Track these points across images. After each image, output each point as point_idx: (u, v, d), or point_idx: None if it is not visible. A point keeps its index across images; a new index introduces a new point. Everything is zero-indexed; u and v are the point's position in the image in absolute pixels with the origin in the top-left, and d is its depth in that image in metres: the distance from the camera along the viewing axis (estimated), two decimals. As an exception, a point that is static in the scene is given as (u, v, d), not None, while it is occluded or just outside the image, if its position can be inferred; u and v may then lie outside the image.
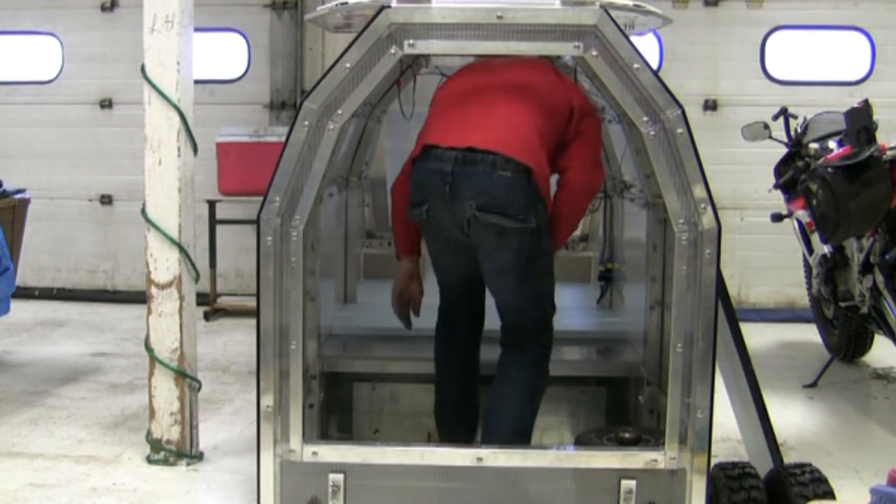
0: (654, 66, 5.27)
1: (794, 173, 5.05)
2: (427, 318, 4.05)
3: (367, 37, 2.88)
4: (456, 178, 3.06)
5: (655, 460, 2.98)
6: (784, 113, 5.44)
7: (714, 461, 3.04)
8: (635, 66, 2.85)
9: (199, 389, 3.87)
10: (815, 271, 5.32)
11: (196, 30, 3.76)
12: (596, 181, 3.30)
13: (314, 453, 3.04)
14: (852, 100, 5.16)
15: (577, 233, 4.89)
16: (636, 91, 2.87)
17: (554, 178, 3.24)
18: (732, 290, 6.08)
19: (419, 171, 3.19)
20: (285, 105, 7.38)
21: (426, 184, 3.14)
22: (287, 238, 2.97)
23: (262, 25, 7.43)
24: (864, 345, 5.32)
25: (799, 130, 5.30)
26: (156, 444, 3.78)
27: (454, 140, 3.11)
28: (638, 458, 3.01)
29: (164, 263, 3.69)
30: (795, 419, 4.47)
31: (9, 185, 5.37)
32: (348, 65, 2.89)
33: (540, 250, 3.16)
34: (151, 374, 3.75)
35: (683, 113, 2.86)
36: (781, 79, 7.14)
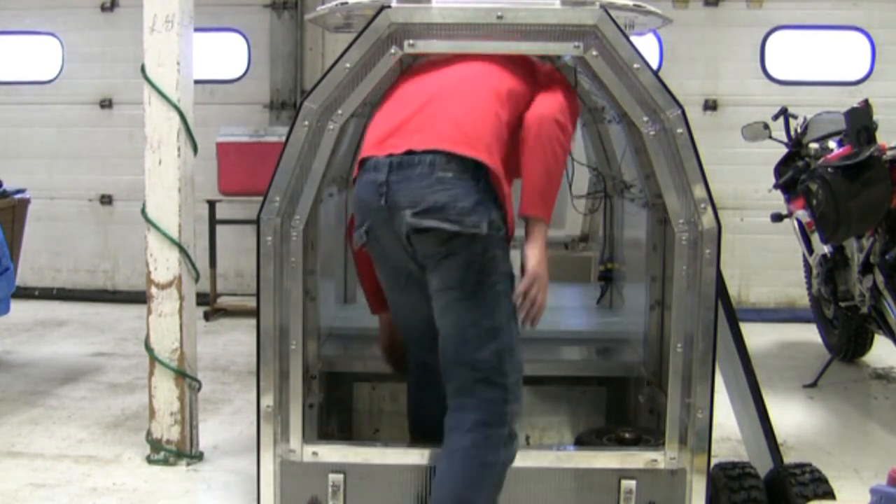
0: (654, 66, 5.27)
1: (794, 173, 5.05)
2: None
3: (367, 37, 2.88)
4: (391, 187, 2.63)
5: (655, 460, 2.98)
6: (784, 113, 5.45)
7: (714, 461, 3.04)
8: (635, 66, 2.85)
9: (199, 389, 3.87)
10: (815, 271, 5.32)
11: (196, 30, 3.76)
12: (556, 115, 2.66)
13: (314, 453, 3.03)
14: (852, 100, 5.16)
15: (577, 233, 4.88)
16: (636, 91, 2.87)
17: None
18: (732, 290, 6.08)
19: (356, 189, 2.78)
20: (285, 105, 7.38)
21: (363, 200, 2.73)
22: (287, 238, 2.97)
23: (262, 25, 7.43)
24: (864, 345, 5.32)
25: (799, 130, 5.30)
26: (156, 444, 3.78)
27: (393, 147, 2.69)
28: (638, 458, 3.01)
29: (164, 263, 3.69)
30: (795, 419, 4.47)
31: (9, 185, 5.37)
32: (348, 65, 2.89)
33: (494, 269, 2.59)
34: (151, 374, 3.75)
35: (683, 113, 2.86)
36: (781, 79, 7.14)
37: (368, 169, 2.72)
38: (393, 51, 2.89)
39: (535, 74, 2.87)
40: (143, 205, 3.70)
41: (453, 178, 2.58)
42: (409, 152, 2.64)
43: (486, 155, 2.61)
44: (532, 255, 2.60)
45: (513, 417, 2.56)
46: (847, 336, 5.24)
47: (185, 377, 3.75)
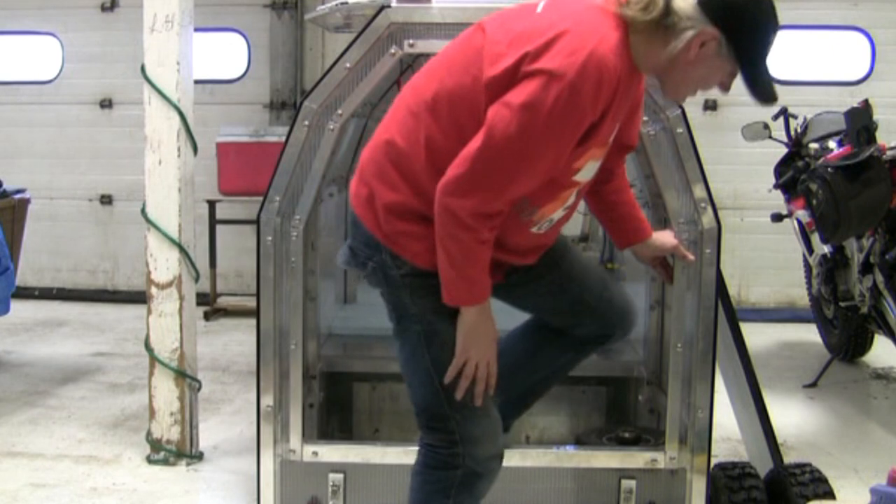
0: (654, 66, 5.27)
1: (794, 173, 5.05)
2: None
3: (367, 37, 2.88)
4: None
5: (655, 460, 2.98)
6: (784, 113, 5.44)
7: (714, 461, 3.04)
8: (635, 65, 2.85)
9: (199, 389, 3.87)
10: (815, 271, 5.32)
11: (196, 30, 3.76)
12: (442, 197, 2.08)
13: (314, 453, 3.04)
14: (852, 100, 5.16)
15: (577, 232, 4.88)
16: (636, 91, 2.87)
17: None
18: (732, 290, 6.08)
19: None
20: (285, 105, 7.38)
21: None
22: (287, 238, 2.97)
23: (262, 25, 7.43)
24: (864, 345, 5.32)
25: (799, 130, 5.30)
26: (156, 444, 3.78)
27: None
28: (638, 458, 3.01)
29: (164, 263, 3.69)
30: (795, 419, 4.47)
31: (9, 185, 5.37)
32: (348, 65, 2.90)
33: (403, 309, 2.32)
34: (151, 374, 3.75)
35: (683, 113, 2.86)
36: (781, 79, 7.12)
37: None
38: (393, 51, 2.89)
39: (479, 60, 2.14)
40: (143, 205, 3.70)
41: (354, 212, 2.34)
42: None
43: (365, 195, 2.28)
44: (458, 338, 2.24)
45: (467, 458, 2.29)
46: (847, 336, 5.24)
47: (185, 377, 3.75)
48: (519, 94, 2.01)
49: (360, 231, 2.29)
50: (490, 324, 2.23)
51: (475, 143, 2.05)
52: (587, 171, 2.23)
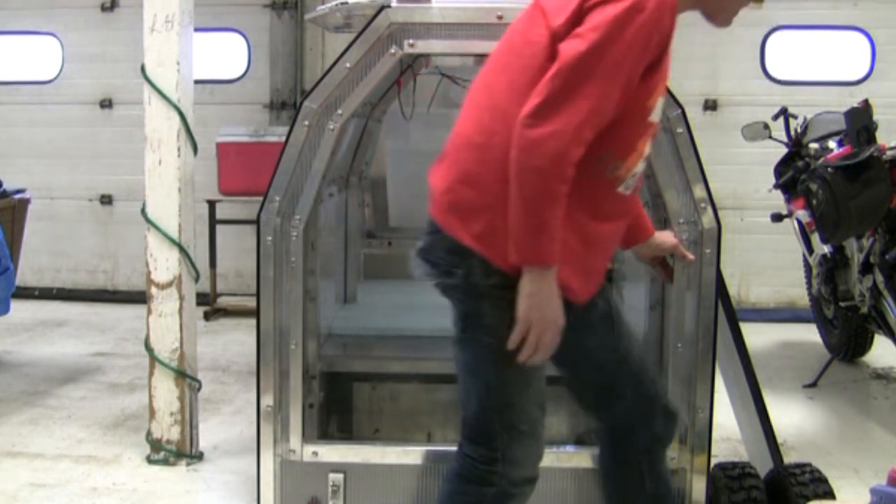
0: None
1: (794, 173, 5.05)
2: (427, 317, 4.05)
3: (367, 37, 2.88)
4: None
5: (655, 460, 2.98)
6: (784, 113, 5.44)
7: (714, 461, 3.04)
8: (635, 65, 2.85)
9: (199, 389, 3.87)
10: (815, 271, 5.32)
11: (196, 30, 3.76)
12: (521, 129, 2.04)
13: (314, 453, 3.04)
14: (852, 100, 5.16)
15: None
16: (636, 91, 2.87)
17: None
18: (732, 290, 6.09)
19: None
20: (285, 105, 7.38)
21: None
22: (287, 238, 2.97)
23: (262, 25, 7.43)
24: (864, 345, 5.32)
25: (799, 130, 5.30)
26: (156, 444, 3.78)
27: None
28: (638, 458, 3.01)
29: (164, 263, 3.69)
30: (795, 419, 4.47)
31: (9, 185, 5.37)
32: (348, 65, 2.90)
33: (476, 319, 2.25)
34: (151, 374, 3.75)
35: (683, 113, 2.86)
36: (781, 79, 7.14)
37: None
38: (393, 50, 2.89)
39: (537, 22, 2.19)
40: (143, 205, 3.70)
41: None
42: None
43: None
44: (518, 304, 2.18)
45: (504, 479, 2.26)
46: (847, 336, 5.24)
47: (185, 377, 3.75)
48: (587, 23, 2.04)
49: (442, 240, 2.24)
50: (555, 295, 2.13)
51: (549, 72, 2.05)
52: (658, 109, 2.24)
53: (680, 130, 2.86)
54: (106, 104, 7.61)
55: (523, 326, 2.15)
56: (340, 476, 3.02)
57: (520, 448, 2.27)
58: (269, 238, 2.95)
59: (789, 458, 3.26)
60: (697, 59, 7.09)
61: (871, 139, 4.20)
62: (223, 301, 7.07)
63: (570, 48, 2.04)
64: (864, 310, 4.58)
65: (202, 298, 5.44)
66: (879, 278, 4.34)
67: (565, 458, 3.04)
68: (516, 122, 2.04)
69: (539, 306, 2.13)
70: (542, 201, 2.06)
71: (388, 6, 2.86)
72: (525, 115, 2.03)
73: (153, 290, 3.72)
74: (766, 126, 5.34)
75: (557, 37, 2.09)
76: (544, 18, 2.14)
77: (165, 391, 3.74)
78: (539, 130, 2.01)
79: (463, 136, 2.24)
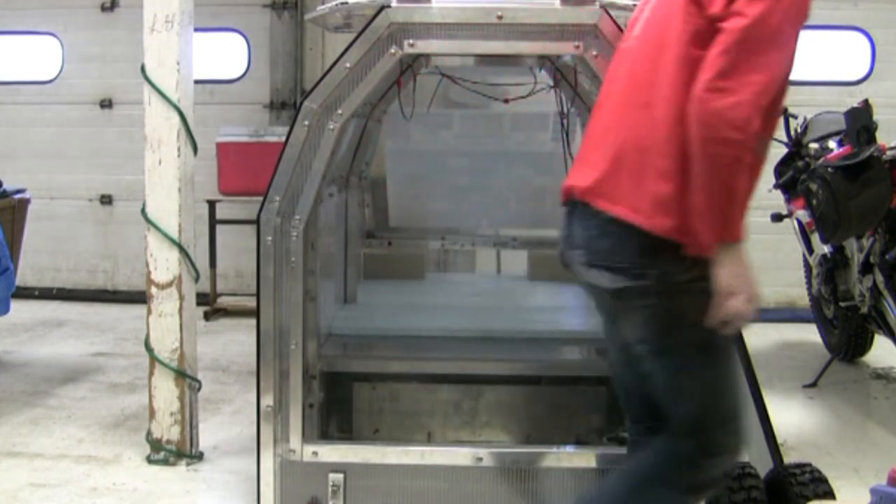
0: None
1: (794, 173, 5.05)
2: (427, 317, 4.05)
3: (367, 37, 2.88)
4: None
5: (655, 460, 2.98)
6: (784, 113, 5.44)
7: (714, 461, 3.04)
8: (635, 65, 2.85)
9: (199, 389, 3.87)
10: (815, 271, 5.32)
11: (196, 30, 3.76)
12: (701, 95, 2.05)
13: (314, 453, 3.04)
14: (852, 100, 5.15)
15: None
16: (636, 91, 2.87)
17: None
18: (732, 290, 6.06)
19: None
20: (285, 105, 7.38)
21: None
22: (287, 238, 2.97)
23: (262, 25, 7.43)
24: (864, 345, 5.31)
25: (799, 130, 5.29)
26: (156, 444, 3.78)
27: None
28: (638, 458, 3.01)
29: (164, 263, 3.69)
30: (795, 419, 4.47)
31: (9, 185, 5.37)
32: (348, 65, 2.90)
33: (678, 319, 2.26)
34: (151, 374, 3.75)
35: (683, 113, 2.86)
36: (781, 79, 7.13)
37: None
38: (393, 51, 2.89)
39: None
40: (143, 205, 3.70)
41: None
42: None
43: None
44: (718, 281, 2.16)
45: (714, 469, 2.31)
46: (847, 336, 5.23)
47: (185, 377, 3.75)
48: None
49: (628, 244, 2.21)
50: (748, 268, 2.13)
51: (716, 48, 2.06)
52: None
53: (680, 130, 2.85)
54: (106, 104, 7.61)
55: (727, 301, 2.13)
56: (340, 476, 3.03)
57: (736, 439, 2.30)
58: (269, 238, 2.96)
59: (789, 458, 3.26)
60: (697, 59, 7.08)
61: (871, 139, 4.20)
62: (223, 301, 7.07)
63: (735, 24, 2.05)
64: (864, 310, 4.57)
65: (202, 298, 5.44)
66: (879, 278, 4.34)
67: (565, 458, 3.04)
68: (692, 100, 2.05)
69: (739, 279, 2.12)
70: (731, 172, 2.05)
71: (388, 6, 2.86)
72: (702, 90, 2.04)
73: (153, 290, 3.72)
74: (767, 126, 5.33)
75: (717, 20, 2.09)
76: (698, 8, 2.13)
77: (165, 391, 3.74)
78: (721, 101, 2.02)
79: (628, 140, 2.22)
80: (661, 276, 2.19)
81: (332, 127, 2.93)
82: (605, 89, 2.42)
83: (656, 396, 2.33)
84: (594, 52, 2.86)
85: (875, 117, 4.27)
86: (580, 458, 3.04)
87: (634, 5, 2.96)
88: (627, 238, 2.20)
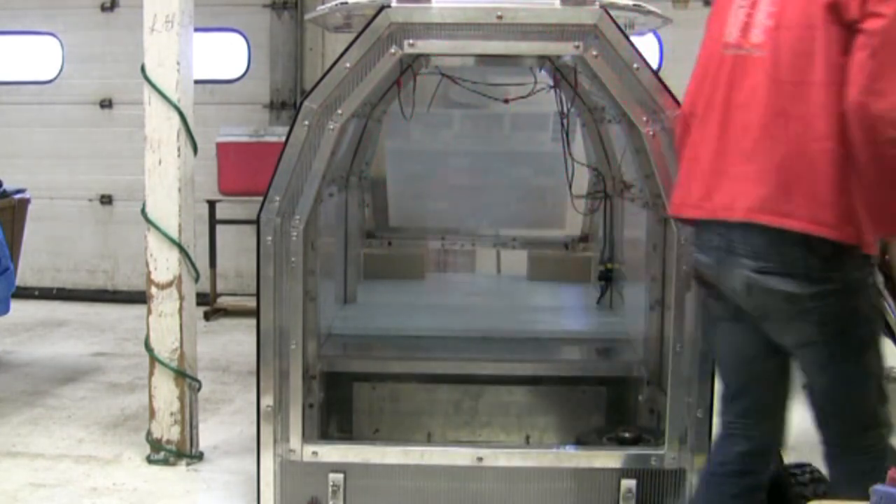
0: (654, 66, 5.27)
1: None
2: (427, 317, 4.06)
3: (367, 37, 2.88)
4: None
5: (655, 460, 2.98)
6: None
7: (714, 461, 3.04)
8: (635, 66, 2.86)
9: (199, 389, 3.87)
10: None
11: (196, 30, 3.76)
12: (860, 99, 2.11)
13: (314, 453, 3.04)
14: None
15: (577, 233, 4.88)
16: (636, 91, 2.88)
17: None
18: (732, 290, 6.05)
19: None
20: (285, 105, 7.38)
21: None
22: (287, 238, 2.97)
23: (262, 25, 7.43)
24: (864, 345, 5.30)
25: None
26: (156, 444, 3.78)
27: None
28: (638, 458, 3.01)
29: (164, 263, 3.69)
30: (795, 419, 4.45)
31: (9, 185, 5.37)
32: (348, 65, 2.90)
33: (852, 315, 2.37)
34: (151, 374, 3.75)
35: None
36: (781, 79, 7.12)
37: None
38: (393, 51, 2.89)
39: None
40: (143, 205, 3.70)
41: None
42: None
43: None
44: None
45: (885, 440, 2.40)
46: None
47: (185, 377, 3.75)
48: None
49: (812, 253, 2.25)
50: None
51: (862, 52, 2.10)
52: None
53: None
54: (106, 104, 7.61)
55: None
56: (340, 476, 3.03)
57: (889, 407, 2.39)
58: (269, 238, 2.96)
59: (789, 458, 3.26)
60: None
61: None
62: (223, 301, 7.07)
63: (874, 25, 2.11)
64: (864, 310, 4.56)
65: (202, 298, 5.44)
66: (879, 278, 4.33)
67: (565, 458, 3.05)
68: (849, 106, 2.11)
69: None
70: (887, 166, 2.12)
71: (388, 6, 2.86)
72: (859, 95, 2.11)
73: (153, 290, 3.71)
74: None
75: (855, 23, 2.14)
76: (837, 15, 2.17)
77: (165, 391, 3.74)
78: (881, 104, 2.09)
79: (799, 151, 2.23)
80: (844, 278, 2.28)
81: (332, 127, 2.93)
82: (708, 97, 2.47)
83: (821, 386, 2.40)
84: (594, 52, 2.86)
85: None
86: (580, 458, 3.04)
87: (635, 5, 2.97)
88: (809, 248, 2.24)
